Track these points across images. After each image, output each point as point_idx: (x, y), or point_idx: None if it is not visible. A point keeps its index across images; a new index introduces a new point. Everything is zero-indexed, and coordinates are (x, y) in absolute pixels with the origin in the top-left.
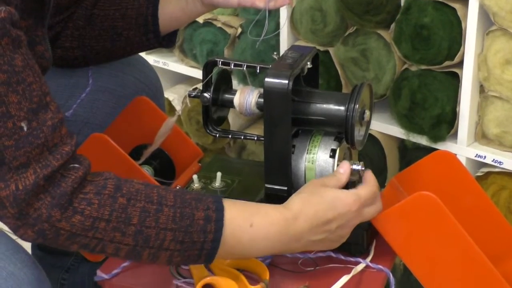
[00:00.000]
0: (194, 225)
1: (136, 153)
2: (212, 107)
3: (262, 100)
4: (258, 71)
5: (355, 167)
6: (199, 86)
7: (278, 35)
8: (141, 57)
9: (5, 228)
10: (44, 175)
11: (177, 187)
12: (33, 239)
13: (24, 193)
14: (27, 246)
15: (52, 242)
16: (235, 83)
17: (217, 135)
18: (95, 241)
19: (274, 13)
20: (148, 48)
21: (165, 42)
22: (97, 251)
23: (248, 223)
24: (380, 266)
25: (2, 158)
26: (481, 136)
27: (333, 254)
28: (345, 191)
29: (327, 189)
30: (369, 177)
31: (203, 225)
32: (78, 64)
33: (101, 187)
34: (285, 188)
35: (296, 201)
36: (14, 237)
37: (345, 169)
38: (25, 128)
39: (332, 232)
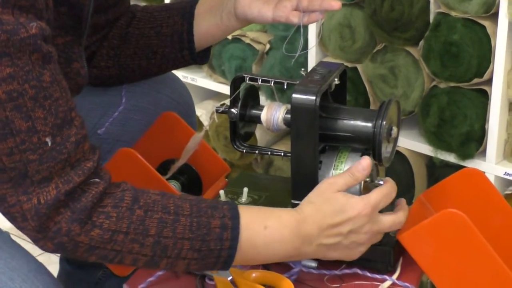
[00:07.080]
0: (210, 234)
1: (163, 168)
2: (240, 123)
3: (289, 116)
4: (285, 87)
5: (381, 183)
6: (227, 101)
7: (306, 51)
8: (173, 74)
9: (27, 238)
10: (66, 190)
11: None
12: (52, 250)
13: (45, 207)
14: (55, 260)
15: (71, 254)
16: (262, 99)
17: (244, 151)
18: (113, 253)
19: (303, 30)
20: (183, 65)
21: (200, 58)
22: (115, 262)
23: (262, 226)
24: (407, 284)
25: (25, 171)
26: (510, 154)
27: (359, 271)
28: (355, 196)
29: (338, 194)
30: (385, 182)
31: (220, 233)
32: (112, 82)
33: (119, 200)
34: None
35: (307, 206)
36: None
37: (364, 165)
38: (49, 143)
39: (345, 237)
